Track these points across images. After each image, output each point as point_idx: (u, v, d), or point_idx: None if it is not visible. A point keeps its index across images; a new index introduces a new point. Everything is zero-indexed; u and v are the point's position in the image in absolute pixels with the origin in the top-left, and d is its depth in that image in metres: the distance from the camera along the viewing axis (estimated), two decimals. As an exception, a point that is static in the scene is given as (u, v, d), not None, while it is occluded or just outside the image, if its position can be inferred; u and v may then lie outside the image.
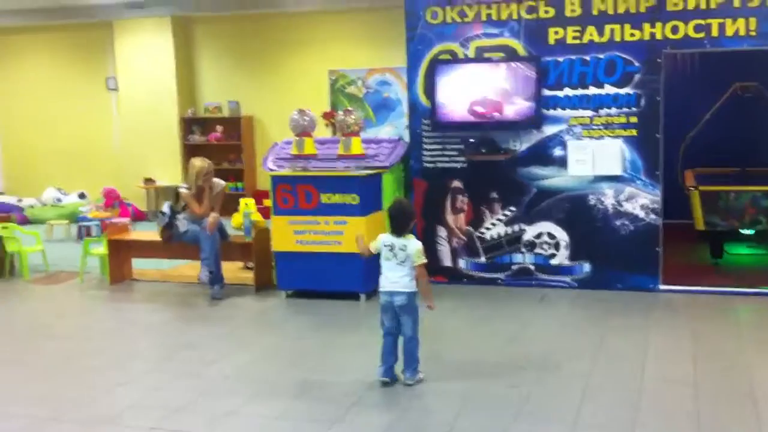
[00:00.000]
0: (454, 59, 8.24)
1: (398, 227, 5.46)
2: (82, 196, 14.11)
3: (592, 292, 7.93)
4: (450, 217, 8.45)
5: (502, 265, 8.33)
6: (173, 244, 8.51)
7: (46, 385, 5.77)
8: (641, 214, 7.89)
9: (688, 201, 8.83)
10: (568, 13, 7.93)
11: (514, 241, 8.27)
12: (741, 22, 7.48)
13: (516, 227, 8.25)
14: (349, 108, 8.52)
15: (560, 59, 7.97)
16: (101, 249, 9.20)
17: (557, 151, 8.05)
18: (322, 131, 9.31)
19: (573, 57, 7.94)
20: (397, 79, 13.16)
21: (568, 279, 8.15)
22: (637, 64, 7.78)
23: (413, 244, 5.42)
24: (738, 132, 10.53)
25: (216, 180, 8.57)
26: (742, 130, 10.58)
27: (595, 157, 7.93)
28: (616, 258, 7.97)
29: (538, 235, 8.19)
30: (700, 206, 8.60)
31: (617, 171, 7.88)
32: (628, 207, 7.91)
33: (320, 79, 13.78)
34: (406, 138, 8.67)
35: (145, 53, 14.40)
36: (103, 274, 9.26)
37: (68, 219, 12.96)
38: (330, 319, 7.35)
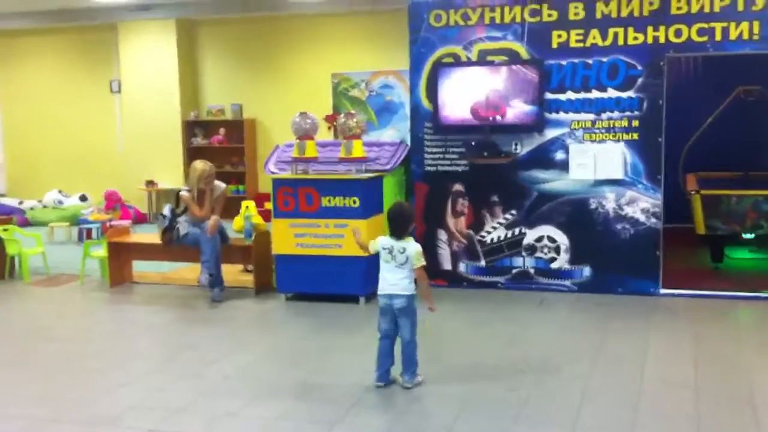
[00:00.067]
0: (457, 62, 8.24)
1: (397, 230, 5.46)
2: (83, 198, 14.13)
3: (593, 295, 7.91)
4: (451, 221, 8.44)
5: (503, 268, 8.31)
6: (174, 246, 8.50)
7: (46, 386, 5.76)
8: (642, 218, 7.88)
9: (688, 205, 8.82)
10: (571, 17, 7.93)
11: (514, 245, 8.25)
12: (744, 25, 7.47)
13: (517, 231, 8.24)
14: (351, 111, 8.50)
15: (563, 62, 7.97)
16: (101, 251, 9.20)
17: (559, 155, 8.04)
18: (325, 134, 9.32)
19: (576, 60, 7.94)
20: (400, 82, 13.17)
21: (568, 283, 8.14)
22: (639, 67, 7.77)
23: (412, 247, 5.41)
24: (740, 136, 10.51)
25: (217, 183, 8.56)
26: (744, 134, 10.56)
27: (597, 161, 7.92)
28: (616, 262, 7.95)
29: (539, 239, 8.18)
30: (701, 210, 8.59)
31: (619, 175, 7.88)
32: (629, 211, 7.90)
33: (323, 82, 13.80)
34: (408, 141, 8.66)
35: (149, 56, 14.43)
36: (103, 277, 9.26)
37: (69, 221, 12.96)
38: (330, 322, 7.34)
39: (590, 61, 7.90)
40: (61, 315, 8.01)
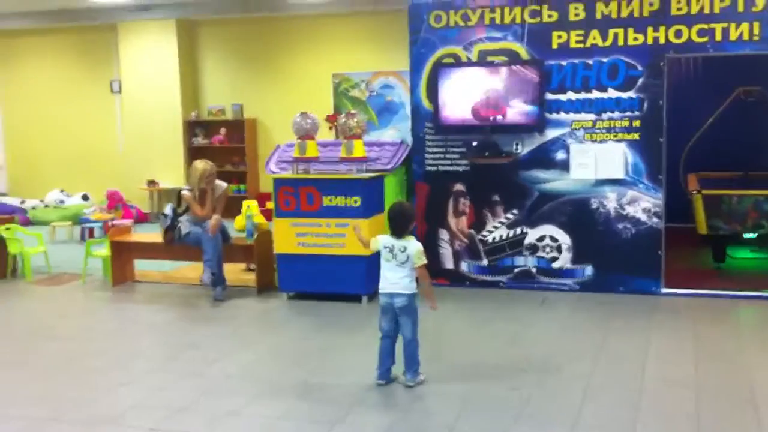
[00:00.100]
0: (457, 63, 8.26)
1: (398, 229, 5.47)
2: (85, 197, 14.17)
3: (594, 295, 7.93)
4: (452, 220, 8.46)
5: (504, 268, 8.33)
6: (175, 246, 8.52)
7: (47, 385, 5.77)
8: (643, 217, 7.89)
9: (690, 205, 8.84)
10: (571, 17, 7.94)
11: (516, 244, 8.27)
12: (744, 26, 7.49)
13: (518, 230, 8.25)
14: (352, 111, 8.52)
15: (563, 63, 7.98)
16: (103, 250, 9.22)
17: (560, 155, 8.05)
18: (326, 134, 9.34)
19: (576, 61, 7.95)
20: (400, 83, 13.19)
21: (570, 282, 8.16)
22: (640, 68, 7.79)
23: (413, 246, 5.42)
24: (741, 136, 10.54)
25: (218, 182, 8.58)
26: (745, 134, 10.59)
27: (598, 161, 7.93)
28: (618, 261, 7.97)
29: (541, 238, 8.19)
30: (702, 210, 8.60)
31: (620, 175, 7.89)
32: (630, 210, 7.91)
33: (324, 83, 13.82)
34: (409, 141, 8.68)
35: (150, 56, 14.44)
36: (105, 276, 9.27)
37: (71, 221, 12.97)
38: (331, 321, 7.36)
39: (590, 62, 7.91)
40: (63, 314, 8.03)
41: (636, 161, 7.86)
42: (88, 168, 15.20)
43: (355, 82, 13.72)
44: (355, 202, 7.70)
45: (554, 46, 8.00)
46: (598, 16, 7.86)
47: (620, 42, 7.81)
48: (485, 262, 8.39)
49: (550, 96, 8.02)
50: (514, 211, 8.24)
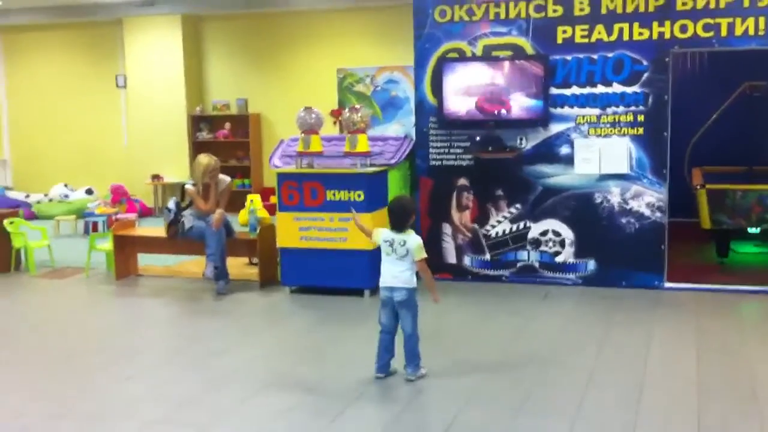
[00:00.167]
0: (462, 57, 8.24)
1: (397, 223, 5.47)
2: (89, 192, 14.19)
3: (597, 289, 7.92)
4: (455, 215, 8.45)
5: (507, 262, 8.32)
6: (179, 240, 8.53)
7: (53, 379, 5.78)
8: (647, 212, 7.88)
9: (694, 199, 8.82)
10: (576, 12, 7.92)
11: (519, 239, 8.26)
12: (750, 21, 7.47)
13: (521, 225, 8.25)
14: (356, 106, 8.52)
15: (568, 58, 7.97)
16: (107, 245, 9.23)
17: (564, 149, 8.04)
18: (330, 129, 9.32)
19: (581, 56, 7.93)
20: (405, 77, 13.18)
21: (572, 276, 8.15)
22: (645, 63, 7.77)
23: (413, 240, 5.42)
24: (746, 131, 10.51)
25: (222, 176, 8.58)
26: (750, 129, 10.57)
27: (602, 156, 7.92)
28: (621, 256, 7.96)
29: (544, 233, 8.18)
30: (706, 204, 8.58)
31: (624, 169, 7.88)
32: (633, 205, 7.90)
33: (328, 77, 13.81)
34: (413, 136, 8.66)
35: (155, 51, 14.46)
36: (108, 270, 9.29)
37: (75, 215, 13.00)
38: (334, 315, 7.36)
39: (595, 57, 7.89)
40: (67, 308, 8.05)
41: (640, 156, 7.85)
42: (93, 162, 15.24)
43: (359, 77, 13.71)
44: (359, 196, 7.70)
45: (559, 40, 7.98)
46: (603, 11, 7.84)
47: (625, 37, 7.79)
48: (488, 256, 8.38)
49: (554, 91, 8.01)
50: (518, 206, 8.23)
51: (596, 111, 7.93)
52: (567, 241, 8.13)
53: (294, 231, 7.95)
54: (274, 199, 8.70)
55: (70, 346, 6.59)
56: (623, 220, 7.93)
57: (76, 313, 7.87)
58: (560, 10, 7.97)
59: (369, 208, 7.65)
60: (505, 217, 8.29)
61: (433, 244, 8.26)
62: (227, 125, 14.52)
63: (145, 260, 9.45)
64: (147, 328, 7.28)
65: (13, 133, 15.98)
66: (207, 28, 14.70)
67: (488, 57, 8.16)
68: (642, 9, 7.73)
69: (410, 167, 8.62)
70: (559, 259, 8.16)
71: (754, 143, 10.48)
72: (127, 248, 9.10)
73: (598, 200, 7.98)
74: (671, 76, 7.79)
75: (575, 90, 7.97)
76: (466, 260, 8.45)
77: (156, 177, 14.43)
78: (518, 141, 8.17)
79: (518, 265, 8.29)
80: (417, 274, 5.49)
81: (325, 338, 6.65)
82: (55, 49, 15.43)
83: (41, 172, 15.43)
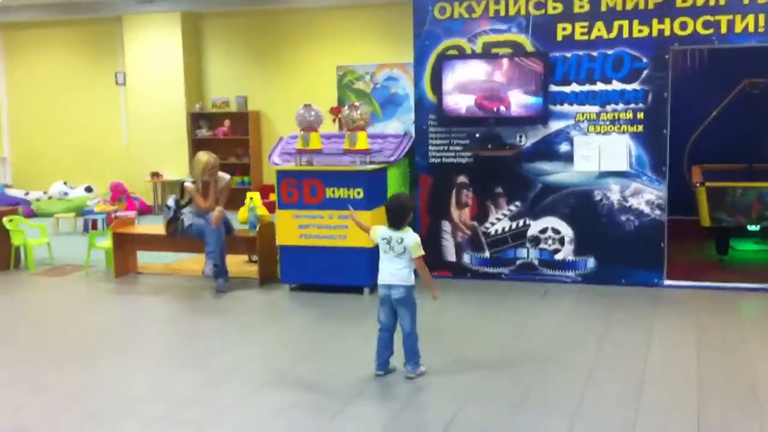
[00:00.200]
0: (462, 54, 8.24)
1: (395, 220, 5.47)
2: (88, 189, 14.19)
3: (597, 287, 7.92)
4: (455, 212, 8.45)
5: (507, 259, 8.32)
6: (178, 237, 8.52)
7: (52, 376, 5.77)
8: (646, 209, 7.88)
9: (693, 197, 8.82)
10: (576, 9, 7.91)
11: (518, 236, 8.26)
12: (750, 18, 7.46)
13: (521, 222, 8.24)
14: (355, 103, 8.51)
15: (568, 55, 7.96)
16: (106, 242, 9.22)
17: (563, 147, 8.04)
18: (330, 126, 9.33)
19: (580, 53, 7.93)
20: (405, 75, 13.17)
21: (572, 274, 8.14)
22: (644, 60, 7.76)
23: (410, 237, 5.41)
24: (746, 128, 10.51)
25: (221, 174, 8.57)
26: (750, 126, 10.57)
27: (602, 153, 7.92)
28: (620, 253, 7.96)
29: (543, 230, 8.18)
30: (706, 202, 8.58)
31: (623, 167, 7.87)
32: (633, 203, 7.90)
33: (328, 75, 13.80)
34: (413, 133, 8.66)
35: (154, 48, 14.45)
36: (108, 267, 9.28)
37: (75, 212, 12.99)
38: (334, 312, 7.36)
39: (595, 54, 7.89)
40: (66, 305, 8.05)
41: (640, 153, 7.84)
42: (93, 160, 15.23)
43: (359, 74, 13.70)
44: (358, 193, 7.69)
45: (559, 38, 7.97)
46: (603, 8, 7.83)
47: (625, 34, 7.78)
48: (487, 254, 8.38)
49: (554, 88, 8.00)
50: (517, 203, 8.23)
51: (596, 108, 7.93)
52: (566, 239, 8.12)
53: (293, 228, 7.95)
54: (273, 197, 8.68)
55: (69, 343, 6.58)
56: (623, 218, 7.93)
57: (76, 310, 7.87)
58: (560, 7, 7.96)
59: (368, 205, 7.65)
60: (505, 215, 8.28)
61: (432, 241, 8.26)
62: (227, 122, 14.51)
63: (145, 258, 9.45)
64: (146, 326, 7.28)
65: (12, 131, 15.98)
66: (206, 25, 14.68)
67: (488, 54, 8.15)
68: (642, 6, 7.72)
69: (410, 164, 8.62)
70: (558, 256, 8.16)
71: (754, 140, 10.47)
72: (126, 246, 9.10)
73: (598, 198, 7.98)
74: (671, 74, 7.79)
75: (575, 87, 7.97)
76: (466, 258, 8.45)
77: (155, 174, 14.43)
78: (518, 138, 8.17)
79: (518, 262, 8.29)
80: (415, 271, 5.48)
81: (325, 336, 6.65)
82: (55, 46, 15.42)
83: (40, 169, 15.43)
